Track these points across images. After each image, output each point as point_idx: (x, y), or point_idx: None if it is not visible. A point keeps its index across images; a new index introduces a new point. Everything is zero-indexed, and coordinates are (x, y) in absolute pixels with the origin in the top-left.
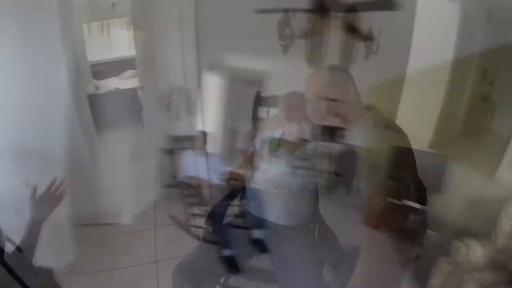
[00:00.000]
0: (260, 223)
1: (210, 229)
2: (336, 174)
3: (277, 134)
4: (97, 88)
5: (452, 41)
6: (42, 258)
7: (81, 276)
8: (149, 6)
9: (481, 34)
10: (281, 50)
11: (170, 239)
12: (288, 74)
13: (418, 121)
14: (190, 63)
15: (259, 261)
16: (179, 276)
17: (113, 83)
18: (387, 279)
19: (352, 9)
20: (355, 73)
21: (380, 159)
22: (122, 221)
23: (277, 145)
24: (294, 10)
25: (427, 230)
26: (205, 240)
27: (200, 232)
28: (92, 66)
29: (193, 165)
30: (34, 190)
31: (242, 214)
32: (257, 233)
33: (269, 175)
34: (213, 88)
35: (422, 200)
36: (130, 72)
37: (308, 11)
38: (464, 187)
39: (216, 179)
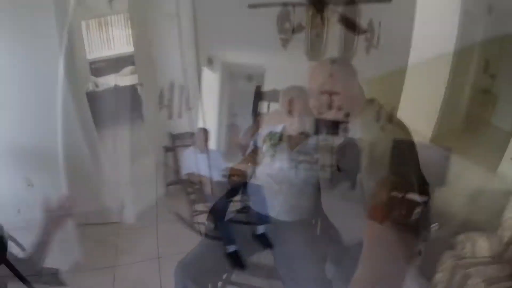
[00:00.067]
0: (262, 219)
1: (212, 225)
2: (338, 168)
3: (278, 128)
4: (96, 85)
5: (453, 34)
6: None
7: (83, 274)
8: (146, 1)
9: (482, 27)
10: (281, 44)
11: (172, 236)
12: (288, 68)
13: (420, 114)
14: (188, 59)
15: (261, 257)
16: (181, 273)
17: (112, 80)
18: (391, 274)
19: (351, 1)
20: (356, 66)
21: (382, 153)
22: (124, 218)
23: (278, 140)
24: (293, 4)
25: (431, 224)
26: (207, 236)
27: (203, 229)
28: (91, 63)
29: (194, 162)
30: (47, 203)
31: (243, 210)
32: (260, 228)
33: (271, 170)
34: (212, 83)
35: (425, 195)
36: (129, 68)
37: (307, 4)
38: (466, 181)
39: (217, 176)
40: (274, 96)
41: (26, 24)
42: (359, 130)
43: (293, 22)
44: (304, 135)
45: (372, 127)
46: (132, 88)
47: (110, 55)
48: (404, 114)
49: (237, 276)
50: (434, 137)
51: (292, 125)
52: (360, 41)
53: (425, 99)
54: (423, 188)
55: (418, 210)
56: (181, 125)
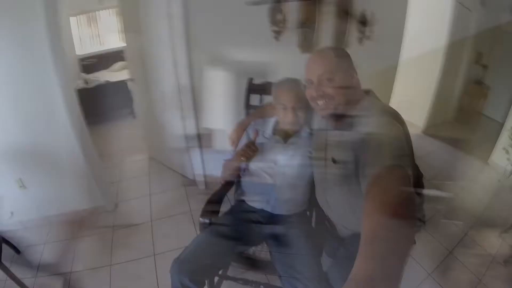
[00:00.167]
0: (256, 213)
1: (207, 221)
2: (334, 161)
3: (271, 121)
4: (86, 82)
5: (446, 26)
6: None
7: (80, 273)
8: None
9: (475, 19)
10: (273, 36)
11: (167, 233)
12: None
13: (412, 105)
14: (193, 58)
15: (257, 251)
16: (177, 269)
17: (103, 76)
18: (389, 269)
19: None
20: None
21: (379, 145)
22: (117, 215)
23: (272, 133)
24: None
25: (424, 215)
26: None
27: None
28: (81, 60)
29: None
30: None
31: (238, 205)
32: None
33: (264, 163)
34: (216, 83)
35: (419, 186)
36: (119, 64)
37: None
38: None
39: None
40: (267, 88)
41: (15, 22)
42: (356, 122)
43: (285, 14)
44: (297, 128)
45: (370, 119)
46: (123, 84)
47: (100, 51)
48: (396, 105)
49: (233, 271)
50: (427, 128)
51: (285, 118)
52: (352, 33)
53: (418, 90)
54: (418, 179)
55: (415, 202)
56: (189, 127)
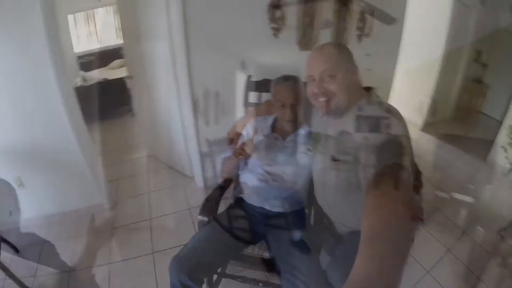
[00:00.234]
0: (255, 211)
1: (206, 219)
2: (334, 159)
3: (270, 119)
4: (84, 80)
5: (445, 24)
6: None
7: (78, 271)
8: None
9: (474, 17)
10: (272, 33)
11: (166, 230)
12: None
13: (412, 103)
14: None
15: (255, 249)
16: (176, 267)
17: (101, 74)
18: (390, 268)
19: None
20: None
21: (380, 143)
22: (116, 213)
23: (271, 130)
24: None
25: (422, 213)
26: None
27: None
28: (79, 57)
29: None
30: None
31: (236, 203)
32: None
33: (262, 161)
34: (215, 81)
35: (418, 184)
36: (118, 61)
37: None
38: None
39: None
40: (265, 86)
41: (12, 20)
42: (356, 119)
43: (284, 11)
44: (296, 126)
45: (370, 116)
46: (122, 81)
47: (99, 48)
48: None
49: (232, 269)
50: (426, 126)
51: (284, 115)
52: (351, 30)
53: (417, 88)
54: (417, 177)
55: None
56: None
